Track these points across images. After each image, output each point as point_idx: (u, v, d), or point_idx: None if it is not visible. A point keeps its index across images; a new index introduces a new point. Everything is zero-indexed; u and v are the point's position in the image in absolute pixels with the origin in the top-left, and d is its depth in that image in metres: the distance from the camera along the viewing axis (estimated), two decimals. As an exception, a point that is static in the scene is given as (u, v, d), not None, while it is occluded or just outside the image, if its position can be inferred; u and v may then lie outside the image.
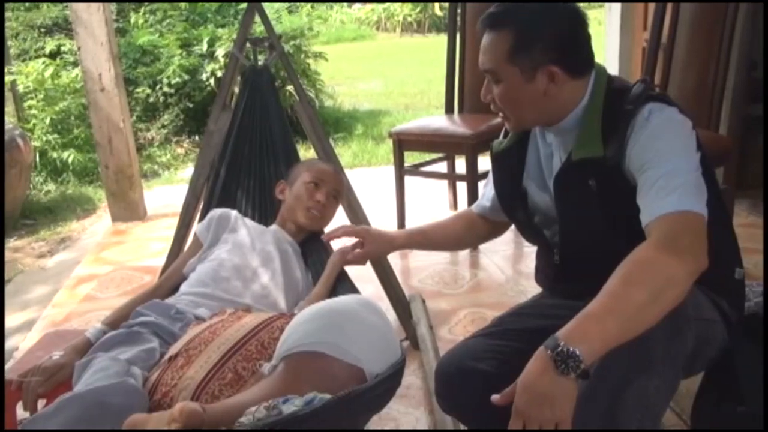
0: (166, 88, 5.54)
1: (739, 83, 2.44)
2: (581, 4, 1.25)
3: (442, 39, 4.21)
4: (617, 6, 4.03)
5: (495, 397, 0.99)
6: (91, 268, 3.15)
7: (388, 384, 1.20)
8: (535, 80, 1.20)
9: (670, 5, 2.61)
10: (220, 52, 5.51)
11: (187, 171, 4.97)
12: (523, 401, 0.95)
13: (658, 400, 1.07)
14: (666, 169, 1.10)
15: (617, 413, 1.02)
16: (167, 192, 4.47)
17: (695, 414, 1.24)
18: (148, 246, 3.42)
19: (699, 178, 1.12)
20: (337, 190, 1.90)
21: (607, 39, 4.14)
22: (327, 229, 1.93)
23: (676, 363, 1.08)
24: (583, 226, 1.26)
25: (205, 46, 5.68)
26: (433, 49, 10.00)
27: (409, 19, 15.06)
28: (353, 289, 1.64)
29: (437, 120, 3.31)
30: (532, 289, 1.84)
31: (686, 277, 1.02)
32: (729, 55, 2.42)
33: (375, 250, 1.55)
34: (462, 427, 1.63)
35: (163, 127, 5.65)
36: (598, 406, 1.02)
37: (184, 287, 1.72)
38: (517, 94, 1.22)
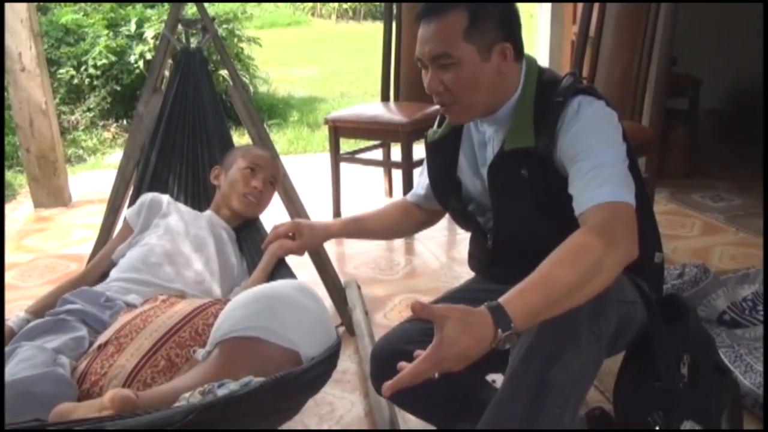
0: (91, 70, 5.32)
1: (660, 77, 2.55)
2: (515, -3, 1.28)
3: (378, 27, 4.22)
4: (548, 0, 4.14)
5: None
6: (12, 256, 3.01)
7: (324, 367, 1.21)
8: (491, 58, 1.21)
9: (597, 2, 2.71)
10: (149, 34, 5.32)
11: (115, 156, 4.81)
12: (450, 358, 0.96)
13: (583, 378, 1.13)
14: (597, 161, 1.14)
15: (546, 391, 1.06)
16: (93, 178, 4.30)
17: (616, 391, 1.31)
18: (73, 233, 3.29)
19: (626, 169, 1.17)
20: (273, 176, 1.88)
21: (538, 32, 4.25)
22: (262, 216, 1.93)
23: (600, 342, 1.13)
24: (514, 214, 1.30)
25: (133, 27, 5.48)
26: (369, 37, 9.99)
27: (345, 5, 14.98)
28: (291, 276, 1.63)
29: (373, 107, 3.32)
30: (465, 274, 1.89)
31: (617, 265, 1.07)
32: (651, 50, 2.53)
33: (310, 240, 1.55)
34: (397, 409, 1.66)
35: (89, 110, 5.43)
36: (528, 383, 1.06)
37: (113, 273, 1.67)
38: (475, 74, 1.21)
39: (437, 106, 1.32)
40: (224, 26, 5.73)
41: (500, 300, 1.00)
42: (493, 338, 0.97)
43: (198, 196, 2.03)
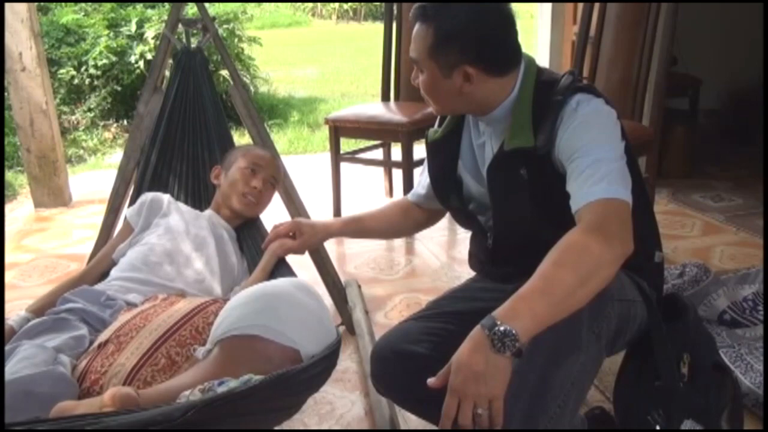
0: (92, 70, 5.32)
1: (660, 77, 2.55)
2: (514, -1, 1.28)
3: (378, 27, 4.22)
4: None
5: (431, 380, 1.01)
6: (12, 256, 3.01)
7: (324, 364, 1.21)
8: (452, 77, 1.24)
9: (597, 2, 2.71)
10: (149, 34, 5.33)
11: (115, 156, 4.81)
12: (459, 380, 0.98)
13: (583, 377, 1.13)
14: (594, 158, 1.14)
15: (546, 388, 1.06)
16: (94, 178, 4.31)
17: (617, 390, 1.31)
18: (73, 233, 3.29)
19: (624, 166, 1.17)
20: (274, 176, 1.88)
21: (538, 32, 4.25)
22: (263, 216, 1.93)
23: (600, 341, 1.13)
24: (514, 213, 1.30)
25: (133, 27, 5.49)
26: (369, 37, 10.02)
27: (345, 6, 14.99)
28: (291, 275, 1.63)
29: (373, 107, 3.33)
30: (465, 274, 1.89)
31: (614, 261, 1.07)
32: (651, 50, 2.53)
33: (311, 239, 1.56)
34: (397, 409, 1.66)
35: (89, 110, 5.43)
36: (528, 381, 1.06)
37: (114, 273, 1.67)
38: (435, 87, 1.27)
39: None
40: (224, 26, 5.73)
41: (500, 308, 1.00)
42: (486, 338, 0.97)
43: (198, 196, 2.03)
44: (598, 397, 1.71)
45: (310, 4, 15.16)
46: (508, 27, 1.25)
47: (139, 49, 5.32)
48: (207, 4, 2.17)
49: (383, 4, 3.66)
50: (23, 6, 3.34)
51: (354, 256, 2.87)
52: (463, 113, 1.38)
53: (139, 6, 5.82)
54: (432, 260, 2.82)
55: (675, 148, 3.66)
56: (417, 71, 1.29)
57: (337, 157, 3.25)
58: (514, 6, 1.29)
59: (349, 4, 14.94)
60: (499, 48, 1.25)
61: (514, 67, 1.27)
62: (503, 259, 1.36)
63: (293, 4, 15.04)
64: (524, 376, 1.05)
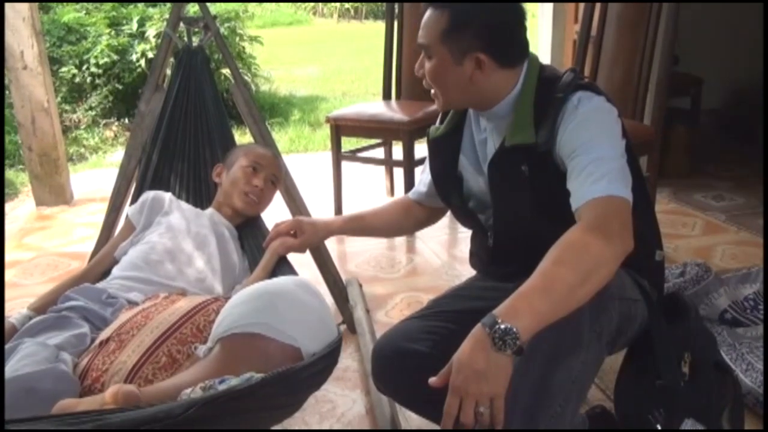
0: (93, 69, 5.33)
1: (662, 77, 2.55)
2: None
3: (380, 26, 4.22)
4: None
5: (432, 380, 1.01)
6: (13, 254, 3.02)
7: (325, 362, 1.21)
8: (463, 64, 1.23)
9: (599, 2, 2.71)
10: (151, 32, 5.33)
11: (117, 155, 4.81)
12: (460, 378, 0.98)
13: (584, 375, 1.13)
14: (595, 156, 1.14)
15: (547, 387, 1.07)
16: (95, 176, 4.31)
17: (618, 389, 1.31)
18: (74, 231, 3.30)
19: (625, 164, 1.17)
20: (275, 175, 1.88)
21: (540, 31, 4.25)
22: (264, 214, 1.93)
23: (601, 340, 1.13)
24: (515, 211, 1.30)
25: (135, 26, 5.49)
26: (371, 36, 10.01)
27: (346, 5, 14.98)
28: (293, 273, 1.63)
29: (375, 106, 3.32)
30: (466, 273, 1.89)
31: (614, 259, 1.07)
32: (653, 50, 2.53)
33: (312, 237, 1.56)
34: (398, 407, 1.66)
35: (91, 108, 5.43)
36: (530, 380, 1.06)
37: (115, 271, 1.67)
38: (445, 74, 1.26)
39: (438, 105, 1.34)
40: (226, 25, 5.73)
41: (501, 307, 1.00)
42: (487, 336, 0.97)
43: (200, 194, 2.03)
44: (599, 396, 1.71)
45: (311, 3, 15.15)
46: (520, 19, 1.25)
47: (140, 47, 5.33)
48: (208, 3, 2.17)
49: (384, 3, 3.66)
50: (24, 4, 3.34)
51: (355, 255, 2.87)
52: (467, 107, 1.37)
53: (141, 4, 5.82)
54: (433, 259, 2.82)
55: (676, 147, 3.66)
56: (423, 60, 1.28)
57: (338, 156, 3.25)
58: (517, 5, 1.28)
59: (350, 3, 14.93)
60: (512, 38, 1.25)
61: (522, 61, 1.27)
62: (504, 258, 1.36)
63: (294, 3, 15.03)
64: (525, 374, 1.05)
